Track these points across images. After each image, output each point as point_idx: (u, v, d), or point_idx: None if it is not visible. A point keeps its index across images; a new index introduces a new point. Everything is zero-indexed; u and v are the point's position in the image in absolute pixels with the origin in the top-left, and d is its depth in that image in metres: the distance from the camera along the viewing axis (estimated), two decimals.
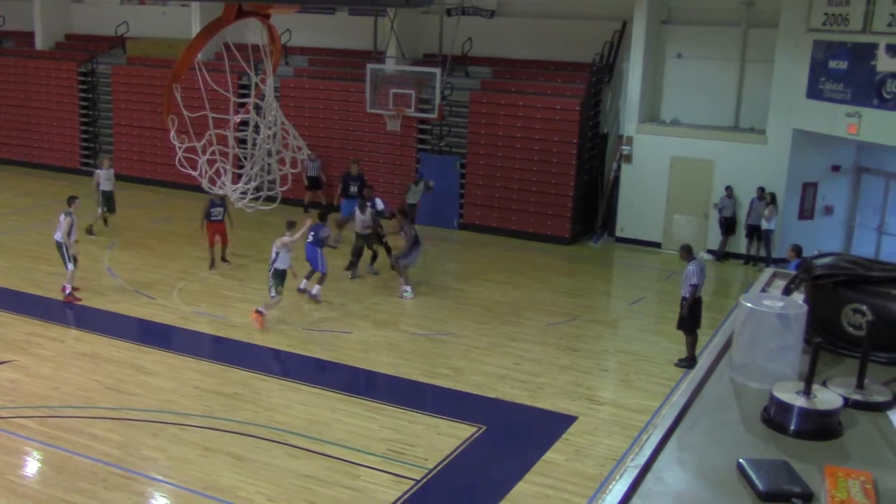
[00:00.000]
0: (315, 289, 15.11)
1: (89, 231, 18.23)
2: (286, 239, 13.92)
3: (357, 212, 16.62)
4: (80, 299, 14.91)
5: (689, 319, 12.55)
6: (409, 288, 15.53)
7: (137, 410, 10.91)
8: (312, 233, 14.89)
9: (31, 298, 14.98)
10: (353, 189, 18.94)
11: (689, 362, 12.55)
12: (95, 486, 9.08)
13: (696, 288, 12.36)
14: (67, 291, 14.84)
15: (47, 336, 13.35)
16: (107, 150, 24.72)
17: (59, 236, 14.69)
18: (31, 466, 9.82)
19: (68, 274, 14.79)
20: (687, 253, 12.65)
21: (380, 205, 16.81)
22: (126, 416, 10.77)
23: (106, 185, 19.11)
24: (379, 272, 16.70)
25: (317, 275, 15.18)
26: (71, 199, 15.11)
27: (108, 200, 19.19)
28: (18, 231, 19.06)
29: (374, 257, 16.85)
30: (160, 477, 9.43)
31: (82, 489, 9.02)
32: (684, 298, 12.53)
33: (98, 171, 19.35)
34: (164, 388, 11.63)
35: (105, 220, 19.25)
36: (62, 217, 14.71)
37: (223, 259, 17.02)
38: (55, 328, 13.71)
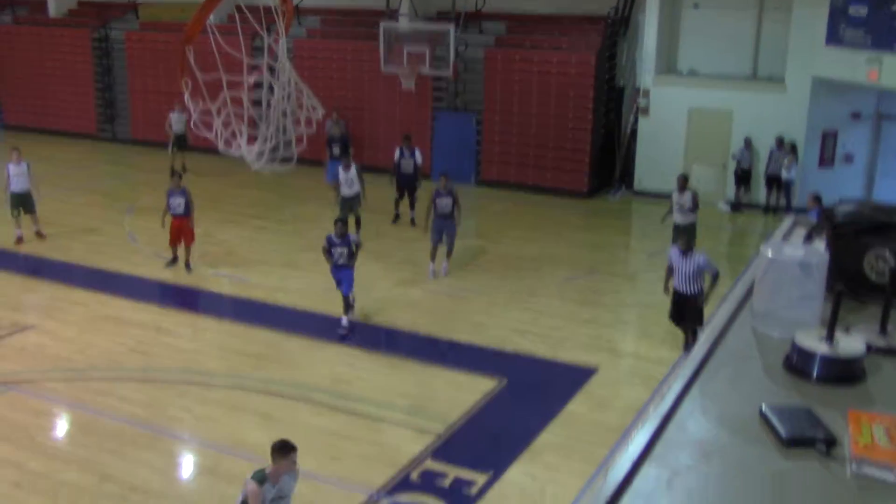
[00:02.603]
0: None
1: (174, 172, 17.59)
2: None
3: (340, 171, 15.65)
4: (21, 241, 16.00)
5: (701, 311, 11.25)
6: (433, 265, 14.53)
7: (162, 371, 11.06)
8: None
9: (52, 263, 15.14)
10: (336, 150, 18.31)
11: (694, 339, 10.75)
12: (125, 447, 9.24)
13: (718, 275, 11.22)
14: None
15: (71, 300, 13.49)
16: (122, 115, 24.79)
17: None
18: (60, 428, 10.01)
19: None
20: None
21: (419, 157, 16.84)
22: (151, 377, 10.92)
23: (177, 128, 20.56)
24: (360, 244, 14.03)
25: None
26: (11, 150, 16.00)
27: (179, 140, 20.60)
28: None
29: (358, 223, 15.62)
30: (188, 436, 9.58)
31: (112, 449, 9.18)
32: (697, 294, 11.23)
33: (171, 113, 20.68)
34: (187, 349, 11.77)
35: (183, 166, 19.94)
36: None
37: (186, 265, 14.61)
38: (78, 292, 13.84)
